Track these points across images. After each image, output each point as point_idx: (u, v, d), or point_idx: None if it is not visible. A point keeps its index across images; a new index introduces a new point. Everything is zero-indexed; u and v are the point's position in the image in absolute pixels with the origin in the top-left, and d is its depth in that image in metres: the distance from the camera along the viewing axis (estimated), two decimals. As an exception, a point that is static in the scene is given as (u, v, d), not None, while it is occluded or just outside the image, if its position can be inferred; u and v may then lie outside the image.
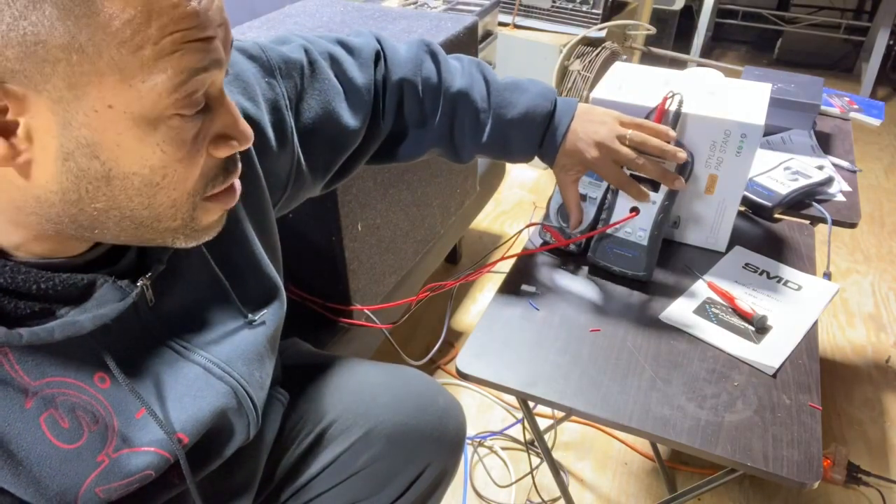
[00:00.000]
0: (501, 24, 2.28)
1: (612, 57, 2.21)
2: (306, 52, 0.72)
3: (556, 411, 1.36)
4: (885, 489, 1.29)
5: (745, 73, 1.45)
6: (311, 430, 0.78)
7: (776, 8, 3.70)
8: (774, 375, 0.77)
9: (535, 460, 1.34)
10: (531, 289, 0.90)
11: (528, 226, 0.99)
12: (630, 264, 0.89)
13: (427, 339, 1.66)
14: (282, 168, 0.70)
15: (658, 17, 3.08)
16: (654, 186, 0.86)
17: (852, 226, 1.11)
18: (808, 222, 1.10)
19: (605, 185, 0.92)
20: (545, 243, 0.97)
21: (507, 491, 1.30)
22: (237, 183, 0.52)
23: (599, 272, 0.92)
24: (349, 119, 0.74)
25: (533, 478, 1.30)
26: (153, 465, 0.54)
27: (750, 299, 0.88)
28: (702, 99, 0.90)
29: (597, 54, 2.19)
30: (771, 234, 1.04)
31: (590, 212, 0.93)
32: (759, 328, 0.83)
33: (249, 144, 0.49)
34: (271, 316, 0.65)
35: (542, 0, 2.33)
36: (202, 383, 0.57)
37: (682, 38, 3.36)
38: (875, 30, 3.11)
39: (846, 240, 2.11)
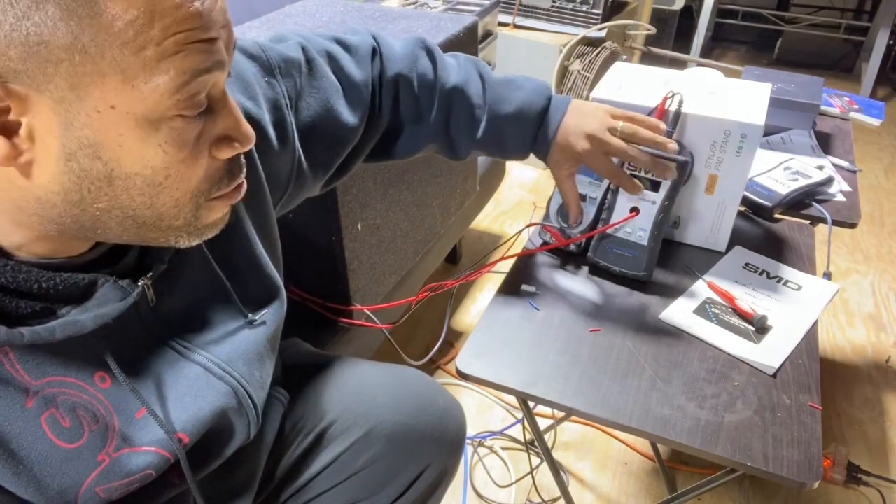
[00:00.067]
0: (501, 24, 2.28)
1: (612, 57, 2.21)
2: (304, 50, 0.72)
3: (556, 411, 1.36)
4: (885, 489, 1.29)
5: (745, 73, 1.45)
6: (311, 430, 0.78)
7: (776, 8, 3.70)
8: (774, 375, 0.77)
9: (535, 460, 1.34)
10: (531, 289, 0.90)
11: (528, 226, 0.99)
12: (630, 264, 0.89)
13: (427, 339, 1.66)
14: (283, 167, 0.70)
15: (658, 17, 3.08)
16: (654, 186, 0.86)
17: (852, 226, 1.11)
18: (808, 222, 1.10)
19: (605, 185, 0.92)
20: (545, 243, 0.97)
21: (507, 491, 1.30)
22: (244, 184, 0.52)
23: (599, 272, 0.92)
24: (348, 116, 0.75)
25: (533, 478, 1.30)
26: (153, 464, 0.54)
27: (750, 299, 0.88)
28: (702, 99, 0.90)
29: (597, 54, 2.20)
30: (771, 234, 1.04)
31: (590, 212, 0.93)
32: (759, 328, 0.83)
33: (251, 146, 0.49)
34: (272, 316, 0.65)
35: (542, 0, 2.33)
36: (203, 383, 0.57)
37: (682, 38, 3.37)
38: (875, 30, 3.11)
39: (846, 240, 2.11)
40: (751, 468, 0.67)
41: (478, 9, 1.88)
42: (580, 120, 0.79)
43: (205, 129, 0.46)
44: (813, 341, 0.82)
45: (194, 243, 0.51)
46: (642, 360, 0.79)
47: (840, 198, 1.16)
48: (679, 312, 0.86)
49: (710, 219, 0.96)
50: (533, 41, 2.26)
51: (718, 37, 3.85)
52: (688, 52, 3.19)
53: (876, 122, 1.47)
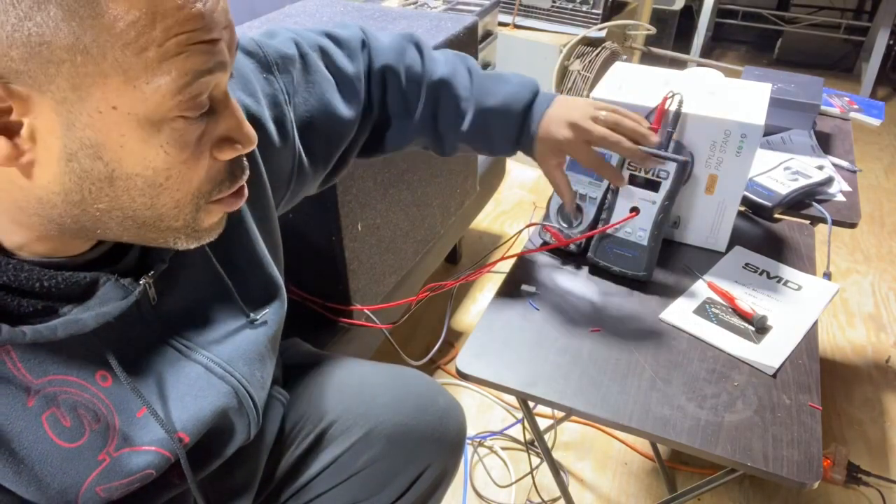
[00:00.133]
0: (501, 24, 2.28)
1: (612, 57, 2.21)
2: (297, 45, 0.72)
3: (556, 411, 1.36)
4: (885, 489, 1.30)
5: (745, 73, 1.45)
6: (311, 430, 0.78)
7: (776, 8, 3.70)
8: (774, 375, 0.77)
9: (535, 460, 1.34)
10: (531, 289, 0.90)
11: (528, 226, 0.99)
12: (630, 264, 0.89)
13: (427, 339, 1.66)
14: (284, 163, 0.70)
15: (658, 17, 3.08)
16: (654, 186, 0.86)
17: (852, 226, 1.11)
18: (808, 222, 1.10)
19: (605, 184, 0.92)
20: (545, 243, 0.97)
21: (507, 491, 1.30)
22: (245, 188, 0.52)
23: (599, 272, 0.92)
24: (344, 110, 0.75)
25: (533, 478, 1.31)
26: (154, 464, 0.54)
27: (750, 299, 0.88)
28: (702, 99, 0.90)
29: (597, 54, 2.20)
30: (771, 234, 1.04)
31: (590, 212, 0.93)
32: (759, 328, 0.83)
33: (253, 147, 0.49)
34: (273, 315, 0.65)
35: (542, 0, 2.33)
36: (203, 383, 0.58)
37: (682, 38, 3.37)
38: (875, 30, 3.11)
39: (846, 240, 2.11)
40: (751, 468, 0.67)
41: (478, 9, 1.89)
42: (563, 111, 0.79)
43: (206, 130, 0.46)
44: (813, 341, 0.82)
45: (192, 246, 0.51)
46: (642, 360, 0.79)
47: (840, 198, 1.16)
48: (679, 312, 0.86)
49: (710, 219, 0.96)
50: (533, 41, 2.27)
51: (718, 37, 3.85)
52: (688, 52, 3.19)
53: (876, 122, 1.47)
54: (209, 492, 0.67)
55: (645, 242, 0.87)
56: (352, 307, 1.17)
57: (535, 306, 0.87)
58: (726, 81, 1.02)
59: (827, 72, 3.36)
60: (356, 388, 0.80)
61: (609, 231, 0.89)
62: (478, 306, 1.78)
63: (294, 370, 0.83)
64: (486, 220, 2.16)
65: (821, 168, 1.19)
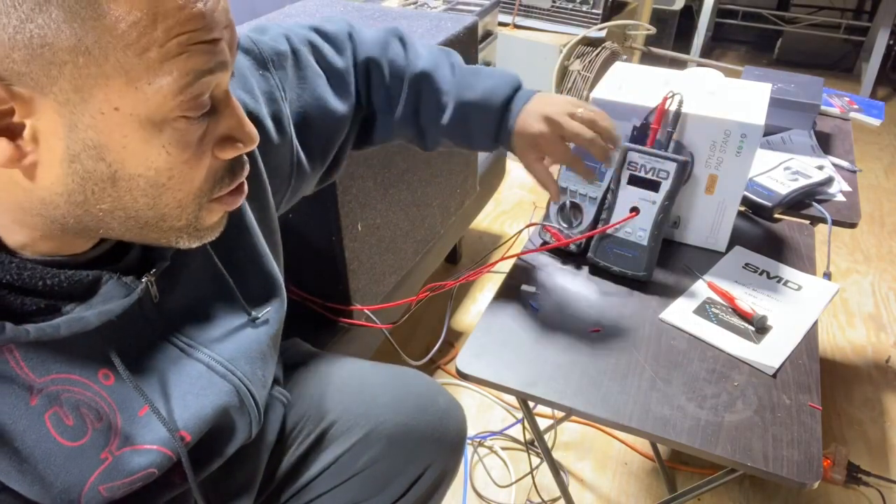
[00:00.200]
0: (501, 24, 2.28)
1: (612, 57, 2.21)
2: (288, 40, 0.72)
3: (556, 411, 1.36)
4: (885, 489, 1.30)
5: (745, 73, 1.45)
6: (311, 430, 0.78)
7: (776, 8, 3.70)
8: (774, 375, 0.77)
9: (535, 460, 1.34)
10: (531, 289, 0.90)
11: (528, 226, 0.99)
12: (630, 264, 0.89)
13: (427, 339, 1.66)
14: (283, 160, 0.70)
15: (658, 17, 3.08)
16: (654, 187, 0.86)
17: (852, 226, 1.11)
18: (808, 222, 1.10)
19: (605, 184, 0.92)
20: (545, 243, 0.98)
21: (507, 491, 1.30)
22: (244, 184, 0.52)
23: (599, 272, 0.93)
24: (337, 104, 0.75)
25: (533, 478, 1.31)
26: (156, 463, 0.54)
27: (750, 299, 0.88)
28: (702, 99, 0.90)
29: (597, 54, 2.20)
30: (771, 234, 1.04)
31: (590, 212, 0.93)
32: (759, 328, 0.83)
33: (255, 146, 0.49)
34: (274, 314, 0.65)
35: (542, 0, 2.33)
36: (205, 381, 0.58)
37: (682, 38, 3.37)
38: (875, 30, 3.11)
39: (846, 240, 2.11)
40: (751, 468, 0.67)
41: (478, 9, 1.89)
42: (540, 106, 0.79)
43: (208, 129, 0.46)
44: (813, 341, 0.82)
45: (194, 245, 0.51)
46: (642, 360, 0.79)
47: (840, 198, 1.16)
48: (679, 312, 0.86)
49: (710, 219, 0.96)
50: (533, 41, 2.27)
51: (718, 37, 3.85)
52: (688, 52, 3.19)
53: (876, 122, 1.47)
54: (210, 492, 0.67)
55: (645, 242, 0.88)
56: (352, 307, 1.17)
57: (535, 306, 0.87)
58: (726, 81, 1.02)
59: (827, 72, 3.36)
60: (356, 389, 0.80)
61: (609, 231, 0.89)
62: (478, 306, 1.78)
63: (294, 370, 0.83)
64: (486, 220, 2.16)
65: (821, 168, 1.19)
